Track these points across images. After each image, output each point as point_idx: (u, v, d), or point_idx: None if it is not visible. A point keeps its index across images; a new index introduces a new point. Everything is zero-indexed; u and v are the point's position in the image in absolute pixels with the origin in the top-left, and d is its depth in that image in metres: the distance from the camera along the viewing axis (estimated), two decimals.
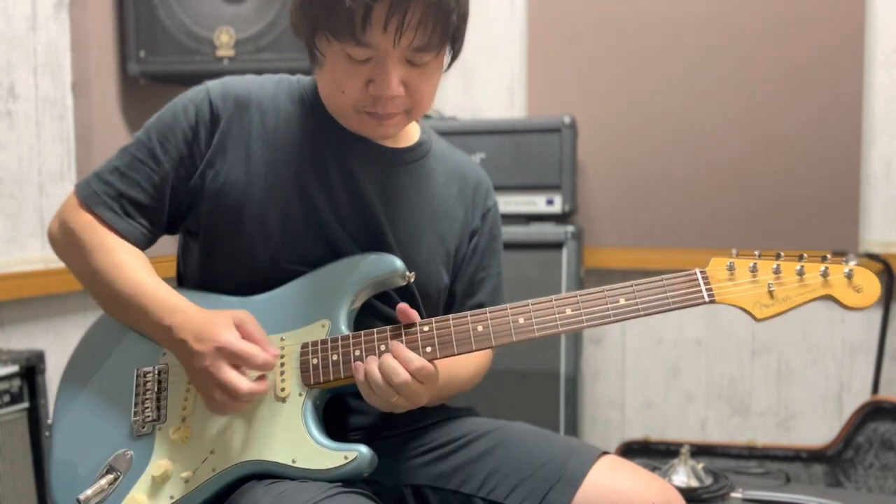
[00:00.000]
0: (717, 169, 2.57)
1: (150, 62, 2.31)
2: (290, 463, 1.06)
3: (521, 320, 1.07)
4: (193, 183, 1.18)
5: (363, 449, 1.05)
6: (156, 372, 1.16)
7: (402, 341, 1.08)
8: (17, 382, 1.81)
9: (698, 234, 2.59)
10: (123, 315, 1.18)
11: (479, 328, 1.07)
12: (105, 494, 1.09)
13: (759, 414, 2.62)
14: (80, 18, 2.26)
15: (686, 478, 1.90)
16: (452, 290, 1.29)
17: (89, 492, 1.08)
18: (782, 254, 1.03)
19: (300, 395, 1.09)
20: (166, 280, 1.20)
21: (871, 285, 1.00)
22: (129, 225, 1.19)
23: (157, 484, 1.09)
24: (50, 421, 1.22)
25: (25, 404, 1.82)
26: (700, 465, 1.93)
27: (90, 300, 2.30)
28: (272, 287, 1.17)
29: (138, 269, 1.16)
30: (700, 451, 2.19)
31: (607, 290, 1.06)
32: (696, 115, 2.58)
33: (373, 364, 1.05)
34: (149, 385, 1.16)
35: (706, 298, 1.03)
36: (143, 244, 1.22)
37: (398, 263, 1.14)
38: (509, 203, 2.42)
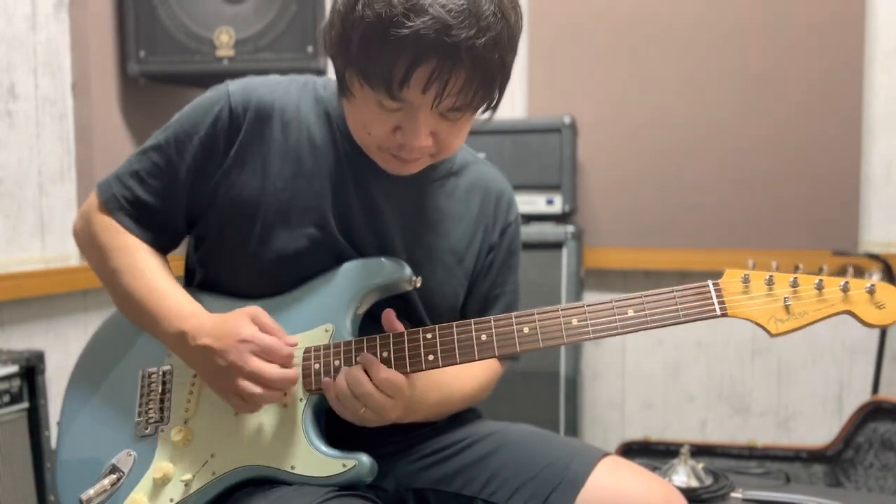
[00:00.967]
0: (717, 169, 2.57)
1: (150, 62, 2.31)
2: (289, 469, 1.05)
3: (526, 330, 1.04)
4: (208, 191, 1.16)
5: (362, 457, 1.04)
6: (160, 373, 1.16)
7: (404, 348, 1.06)
8: (17, 382, 1.81)
9: (698, 234, 2.59)
10: (138, 317, 1.17)
11: (483, 337, 1.05)
12: (107, 494, 1.10)
13: (759, 414, 2.62)
14: (80, 18, 2.26)
15: (686, 478, 1.89)
16: (466, 305, 1.26)
17: (91, 491, 1.08)
18: (800, 266, 1.00)
19: (301, 400, 1.08)
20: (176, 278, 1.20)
21: (893, 301, 0.96)
22: (146, 232, 1.19)
23: (158, 486, 1.09)
24: (58, 419, 1.22)
25: (25, 404, 1.82)
26: (700, 466, 1.92)
27: (90, 300, 2.31)
28: (277, 293, 1.16)
29: (154, 273, 1.16)
30: (700, 451, 2.19)
31: (616, 302, 1.02)
32: (696, 116, 2.58)
33: (340, 375, 1.04)
34: (153, 386, 1.16)
35: (718, 312, 1.00)
36: (162, 249, 1.22)
37: (404, 268, 1.13)
38: None
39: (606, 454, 1.15)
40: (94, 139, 2.29)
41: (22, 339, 2.10)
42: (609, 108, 2.66)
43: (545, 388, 2.32)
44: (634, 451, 2.31)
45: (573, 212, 2.45)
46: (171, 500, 1.08)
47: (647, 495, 1.09)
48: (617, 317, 1.01)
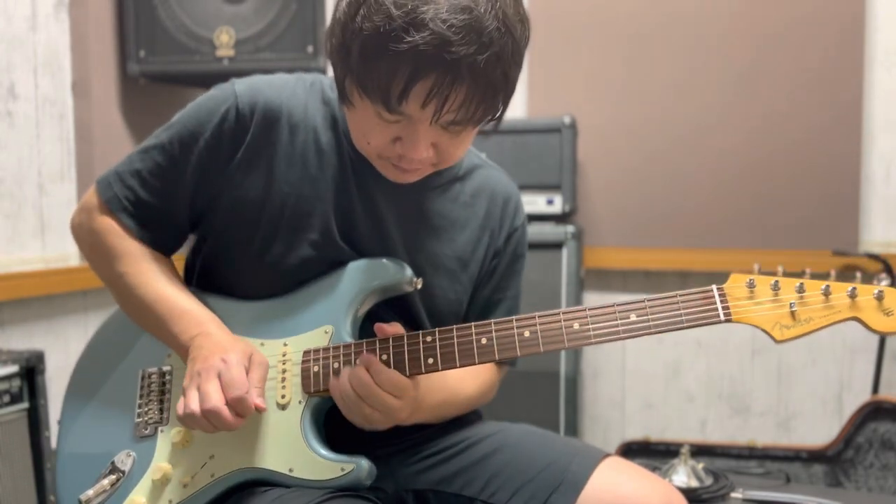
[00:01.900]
0: (717, 169, 2.57)
1: (150, 62, 2.31)
2: (287, 472, 1.05)
3: (527, 334, 1.03)
4: (212, 192, 1.14)
5: (361, 461, 1.03)
6: (160, 373, 1.16)
7: (404, 351, 1.05)
8: (17, 382, 1.81)
9: (698, 234, 2.59)
10: (142, 320, 1.17)
11: (483, 341, 1.04)
12: (107, 495, 1.10)
13: (759, 414, 2.62)
14: (80, 18, 2.26)
15: (686, 478, 1.89)
16: (468, 309, 1.25)
17: (90, 492, 1.08)
18: (807, 271, 0.99)
19: (300, 402, 1.08)
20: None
21: None
22: (148, 232, 1.17)
23: (157, 487, 1.08)
24: (59, 418, 1.22)
25: (25, 404, 1.82)
26: (700, 465, 1.92)
27: (90, 300, 2.31)
28: (278, 294, 1.15)
29: (162, 278, 1.15)
30: (700, 451, 2.19)
31: (618, 306, 1.01)
32: (696, 116, 2.58)
33: (343, 377, 1.03)
34: (153, 386, 1.16)
35: (722, 318, 0.98)
36: (166, 251, 1.21)
37: (404, 269, 1.12)
38: None
39: (607, 455, 1.15)
40: (94, 139, 2.29)
41: (22, 339, 2.10)
42: (609, 108, 2.66)
43: (545, 388, 2.32)
44: (634, 451, 2.31)
45: (573, 212, 2.45)
46: (170, 502, 1.08)
47: (648, 497, 1.09)
48: (619, 321, 1.00)
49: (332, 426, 1.11)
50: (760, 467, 2.16)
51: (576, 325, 1.01)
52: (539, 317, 1.03)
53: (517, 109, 2.78)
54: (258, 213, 1.13)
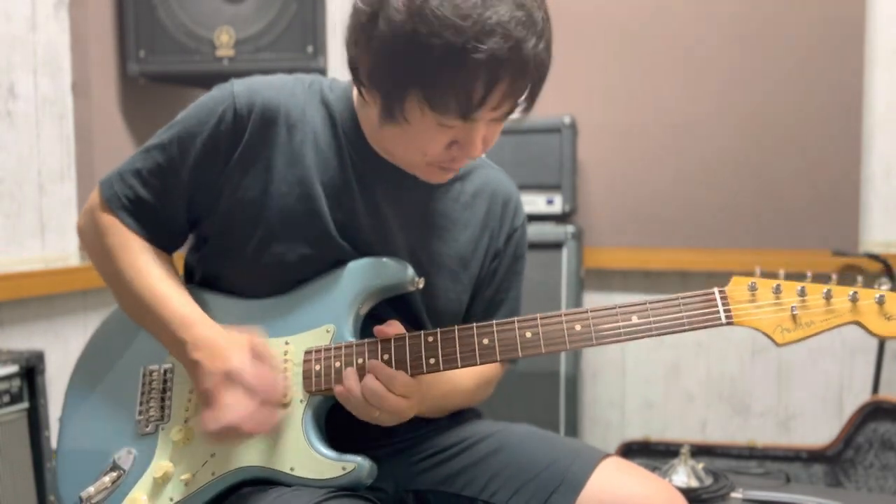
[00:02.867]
0: (717, 169, 2.57)
1: (149, 62, 2.31)
2: (287, 471, 1.05)
3: (529, 335, 1.03)
4: (211, 192, 1.15)
5: (361, 460, 1.04)
6: (162, 371, 1.16)
7: (405, 351, 1.06)
8: (17, 382, 1.81)
9: (698, 234, 2.59)
10: (140, 319, 1.17)
11: (485, 341, 1.04)
12: (107, 492, 1.10)
13: (759, 414, 2.62)
14: (80, 18, 2.26)
15: (686, 478, 1.90)
16: (471, 310, 1.25)
17: (91, 489, 1.09)
18: (809, 274, 0.99)
19: (301, 401, 1.08)
20: None
21: None
22: (147, 230, 1.18)
23: (158, 485, 1.09)
24: (59, 415, 1.21)
25: (25, 404, 1.82)
26: (700, 466, 1.93)
27: (90, 300, 2.31)
28: (278, 293, 1.15)
29: (158, 276, 1.15)
30: (700, 451, 2.19)
31: (619, 308, 1.01)
32: (696, 115, 2.58)
33: (352, 382, 1.04)
34: (154, 384, 1.16)
35: (724, 320, 0.98)
36: (164, 248, 1.21)
37: (406, 268, 1.12)
38: None
39: (607, 455, 1.14)
40: (94, 139, 2.29)
41: (22, 339, 2.10)
42: (609, 108, 2.66)
43: (545, 388, 2.32)
44: (634, 451, 2.31)
45: (573, 212, 2.45)
46: (171, 500, 1.08)
47: (649, 497, 1.09)
48: (621, 323, 1.00)
49: (331, 425, 1.11)
50: (760, 467, 2.16)
51: (577, 327, 1.02)
52: (541, 318, 1.03)
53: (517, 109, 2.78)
54: (257, 212, 1.13)
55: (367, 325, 1.13)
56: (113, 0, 2.34)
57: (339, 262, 1.14)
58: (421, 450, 1.20)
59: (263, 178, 1.13)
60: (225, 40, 2.26)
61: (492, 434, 1.19)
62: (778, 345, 0.97)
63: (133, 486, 1.10)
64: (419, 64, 0.94)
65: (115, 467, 1.11)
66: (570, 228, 2.35)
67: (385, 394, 1.02)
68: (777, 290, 0.98)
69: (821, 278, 0.99)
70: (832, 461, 2.14)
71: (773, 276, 0.99)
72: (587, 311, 1.02)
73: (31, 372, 1.83)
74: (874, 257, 2.38)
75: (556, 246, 2.35)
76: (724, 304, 0.99)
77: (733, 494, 1.85)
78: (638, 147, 2.64)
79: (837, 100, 2.45)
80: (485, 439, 1.18)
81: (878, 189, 2.46)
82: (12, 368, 1.79)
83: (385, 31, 0.95)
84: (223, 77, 1.23)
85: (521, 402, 2.29)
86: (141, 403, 1.15)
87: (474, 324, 1.06)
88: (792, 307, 0.96)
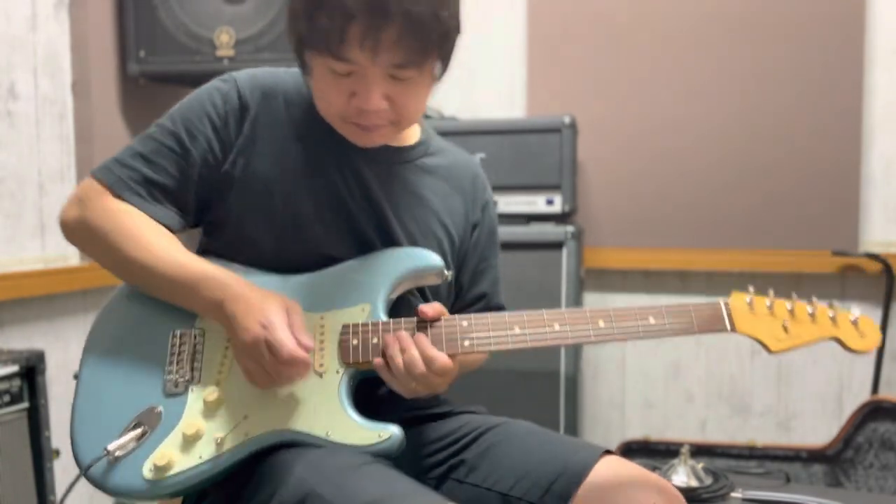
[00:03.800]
0: (717, 169, 2.57)
1: (150, 62, 2.31)
2: (324, 436, 1.08)
3: (557, 327, 1.13)
4: (224, 171, 1.19)
5: (396, 430, 1.08)
6: (192, 335, 1.16)
7: (441, 332, 1.12)
8: (17, 382, 1.81)
9: (698, 234, 2.59)
10: (164, 292, 1.17)
11: (517, 329, 1.13)
12: (134, 446, 1.10)
13: (759, 414, 2.62)
14: (80, 18, 2.26)
15: (686, 478, 1.90)
16: (459, 281, 1.33)
17: (118, 442, 1.08)
18: (794, 294, 1.16)
19: (338, 372, 1.12)
20: None
21: (872, 332, 1.13)
22: (158, 209, 1.18)
23: (189, 442, 1.09)
24: (75, 374, 1.20)
25: (25, 404, 1.83)
26: (700, 465, 1.93)
27: (90, 300, 2.31)
28: (309, 270, 1.20)
29: (179, 247, 1.17)
30: (700, 451, 2.19)
31: (638, 310, 1.14)
32: (696, 115, 2.58)
33: (395, 352, 1.09)
34: (184, 347, 1.16)
35: (728, 328, 1.13)
36: (175, 228, 1.21)
37: (437, 260, 1.19)
38: (509, 203, 2.42)
39: (608, 452, 1.15)
40: (94, 139, 2.29)
41: (22, 339, 2.10)
42: (609, 108, 2.66)
43: (545, 388, 2.32)
44: (634, 450, 2.31)
45: (573, 212, 2.45)
46: (201, 458, 1.08)
47: (647, 495, 1.09)
48: (639, 322, 1.13)
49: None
50: (760, 467, 2.17)
51: (601, 323, 1.13)
52: (567, 313, 1.15)
53: (517, 109, 2.79)
54: (272, 185, 1.19)
55: (394, 311, 1.19)
56: (113, 0, 2.34)
57: (352, 231, 1.21)
58: (422, 444, 1.22)
59: (273, 150, 1.20)
60: (225, 40, 2.26)
61: (495, 426, 1.22)
62: (771, 352, 1.13)
63: (160, 442, 1.10)
64: (298, 11, 1.08)
65: (139, 424, 1.11)
66: (570, 228, 2.35)
67: (424, 369, 1.08)
68: (770, 307, 1.15)
69: (816, 277, 1.11)
70: (832, 461, 2.14)
71: (765, 294, 1.17)
72: (610, 311, 1.14)
73: (31, 372, 1.83)
74: (874, 257, 2.38)
75: (556, 246, 2.35)
76: (728, 314, 1.14)
77: (733, 494, 1.86)
78: (638, 147, 2.64)
79: (837, 100, 2.45)
80: (488, 431, 1.21)
81: (878, 189, 2.46)
82: (12, 368, 1.79)
83: None
84: None
85: (521, 401, 2.29)
86: (170, 364, 1.15)
87: (505, 313, 1.15)
88: (783, 321, 1.14)
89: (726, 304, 1.14)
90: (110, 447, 1.08)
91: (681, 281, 2.65)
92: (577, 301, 2.43)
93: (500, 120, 2.58)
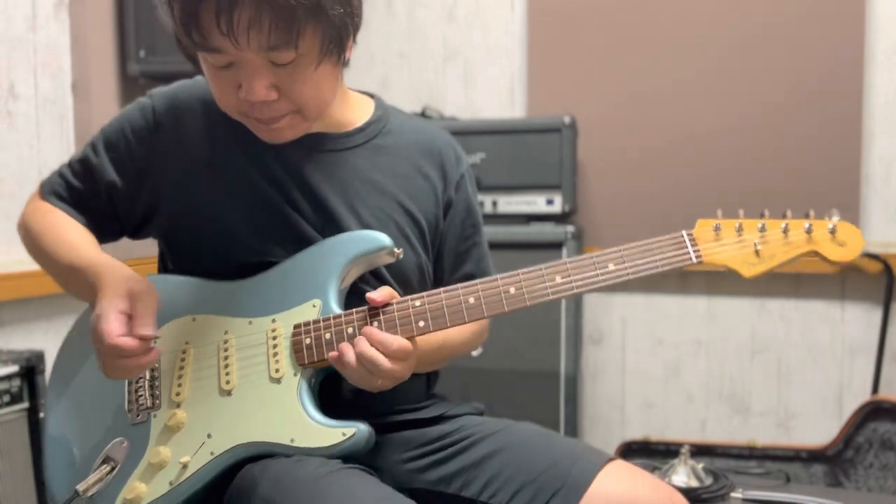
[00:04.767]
0: (717, 169, 2.57)
1: (150, 62, 2.31)
2: (288, 442, 1.06)
3: (513, 290, 1.07)
4: (139, 190, 1.20)
5: (361, 425, 1.05)
6: None
7: (394, 317, 1.08)
8: (17, 382, 1.81)
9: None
10: (73, 286, 1.18)
11: (471, 300, 1.08)
12: (103, 484, 1.09)
13: (759, 414, 2.62)
14: (80, 18, 2.26)
15: (686, 478, 1.89)
16: (440, 265, 1.29)
17: (88, 482, 1.08)
18: (766, 212, 1.06)
19: (295, 375, 1.09)
20: None
21: (854, 239, 1.02)
22: (77, 213, 1.24)
23: (155, 470, 1.08)
24: (41, 415, 1.21)
25: (25, 404, 1.82)
26: (700, 465, 1.92)
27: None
28: (252, 275, 1.17)
29: (81, 241, 1.18)
30: (700, 451, 2.19)
31: (596, 257, 1.07)
32: (696, 115, 2.59)
33: (345, 346, 1.05)
34: (142, 373, 1.15)
35: (694, 260, 1.05)
36: (95, 233, 1.24)
37: (384, 239, 1.13)
38: (509, 203, 2.42)
39: (611, 459, 1.13)
40: None
41: (22, 339, 2.10)
42: (609, 108, 2.66)
43: (545, 388, 2.32)
44: (634, 450, 2.31)
45: (573, 212, 2.45)
46: (171, 484, 1.08)
47: (651, 502, 1.08)
48: (599, 271, 1.06)
49: (320, 399, 1.11)
50: (760, 467, 2.16)
51: (558, 279, 1.06)
52: (522, 273, 1.08)
53: (517, 109, 2.79)
54: (194, 201, 1.17)
55: (350, 302, 1.15)
56: (113, 0, 2.34)
57: (292, 232, 1.16)
58: (417, 446, 1.19)
59: (187, 165, 1.18)
60: None
61: (493, 433, 1.18)
62: (745, 278, 1.03)
63: (129, 475, 1.09)
64: (162, 6, 1.06)
65: (107, 459, 1.11)
66: (570, 228, 2.36)
67: (380, 358, 1.03)
68: (739, 229, 1.05)
69: (777, 216, 1.06)
70: (832, 461, 2.14)
71: (734, 217, 1.06)
72: (566, 263, 1.07)
73: (31, 372, 1.83)
74: (874, 257, 2.38)
75: (556, 246, 2.35)
76: (692, 245, 1.06)
77: (733, 494, 1.85)
78: (638, 147, 2.64)
79: (837, 100, 2.45)
80: (485, 438, 1.17)
81: (878, 189, 2.46)
82: (12, 368, 1.79)
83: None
84: None
85: (522, 401, 2.29)
86: (129, 394, 1.15)
87: (459, 285, 1.09)
88: (755, 243, 1.04)
89: (690, 235, 1.06)
90: (79, 487, 1.07)
91: (680, 280, 2.65)
92: (577, 301, 2.43)
93: (500, 120, 2.58)
